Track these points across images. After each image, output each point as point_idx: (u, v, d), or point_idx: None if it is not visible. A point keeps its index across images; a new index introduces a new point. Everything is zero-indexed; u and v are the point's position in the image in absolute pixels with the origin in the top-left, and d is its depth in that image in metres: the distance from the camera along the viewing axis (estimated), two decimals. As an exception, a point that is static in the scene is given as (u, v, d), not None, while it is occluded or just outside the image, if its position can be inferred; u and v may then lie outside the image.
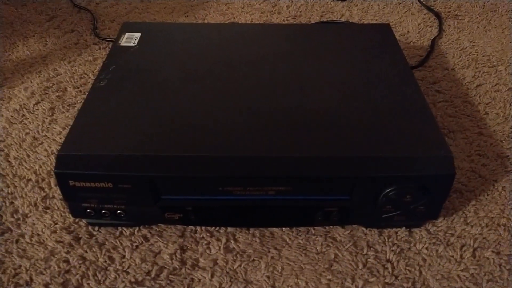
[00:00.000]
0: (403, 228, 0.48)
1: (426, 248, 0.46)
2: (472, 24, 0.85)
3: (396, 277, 0.44)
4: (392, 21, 0.85)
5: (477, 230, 0.48)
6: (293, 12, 0.89)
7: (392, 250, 0.46)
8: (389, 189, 0.42)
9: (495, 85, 0.69)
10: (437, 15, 0.86)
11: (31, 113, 0.63)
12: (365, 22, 0.85)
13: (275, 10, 0.89)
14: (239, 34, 0.61)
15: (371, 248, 0.46)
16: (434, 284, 0.43)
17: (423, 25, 0.84)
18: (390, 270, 0.45)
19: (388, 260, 0.45)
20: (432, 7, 0.89)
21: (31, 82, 0.69)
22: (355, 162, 0.42)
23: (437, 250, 0.46)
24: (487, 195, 0.52)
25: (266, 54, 0.56)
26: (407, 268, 0.45)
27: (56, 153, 0.42)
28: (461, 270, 0.45)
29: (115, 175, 0.42)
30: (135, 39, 0.60)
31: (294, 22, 0.86)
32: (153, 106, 0.48)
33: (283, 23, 0.85)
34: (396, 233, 0.48)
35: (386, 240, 0.47)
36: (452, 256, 0.46)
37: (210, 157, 0.42)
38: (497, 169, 0.55)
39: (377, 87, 0.50)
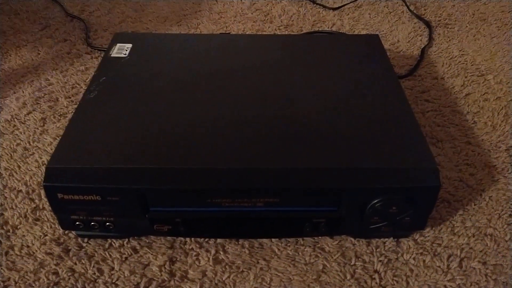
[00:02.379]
0: (391, 238, 0.49)
1: (413, 258, 0.47)
2: (462, 33, 0.86)
3: (384, 288, 0.45)
4: (383, 30, 0.86)
5: (464, 240, 0.49)
6: (285, 21, 0.89)
7: (380, 261, 0.47)
8: (375, 201, 0.43)
9: (484, 94, 0.70)
10: (427, 24, 0.87)
11: (23, 123, 0.63)
12: (356, 31, 0.86)
13: (267, 19, 0.90)
14: (229, 45, 0.62)
15: (359, 259, 0.47)
16: (421, 295, 0.44)
17: (414, 34, 0.85)
18: (377, 280, 0.45)
19: (375, 271, 0.46)
20: (422, 16, 0.90)
21: (23, 92, 0.69)
22: (342, 174, 0.42)
23: (424, 260, 0.47)
24: (474, 204, 0.53)
25: (256, 65, 0.57)
26: (394, 278, 0.45)
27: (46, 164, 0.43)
28: (448, 281, 0.45)
29: (104, 188, 0.42)
30: (126, 50, 0.60)
31: (286, 31, 0.86)
32: (143, 118, 0.48)
33: (275, 32, 0.86)
34: (384, 243, 0.48)
35: (374, 250, 0.48)
36: (439, 266, 0.46)
37: (199, 169, 0.42)
38: (484, 178, 0.56)
39: (364, 99, 0.51)
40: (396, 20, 0.89)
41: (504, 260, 0.47)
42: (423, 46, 0.81)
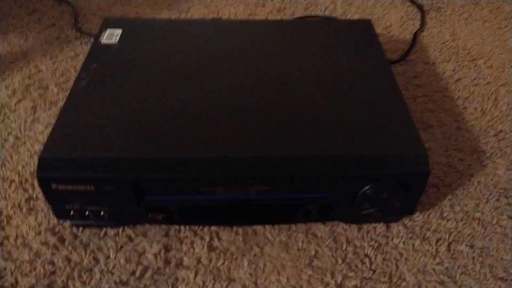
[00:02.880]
0: (381, 223, 0.50)
1: (403, 243, 0.48)
2: (454, 16, 0.86)
3: (374, 271, 0.46)
4: (376, 14, 0.86)
5: (452, 224, 0.50)
6: (277, 4, 0.88)
7: (370, 245, 0.48)
8: (366, 187, 0.43)
9: (474, 79, 0.71)
10: (420, 8, 0.87)
11: (13, 112, 0.63)
12: (349, 15, 0.86)
13: (259, 3, 0.89)
14: (221, 31, 0.61)
15: (350, 244, 0.48)
16: (410, 278, 0.45)
17: (406, 18, 0.85)
18: (368, 264, 0.46)
19: (366, 255, 0.47)
20: (415, 0, 0.89)
21: (12, 79, 0.68)
22: (332, 162, 0.43)
23: (413, 244, 0.48)
24: (463, 189, 0.54)
25: (248, 52, 0.57)
26: (384, 262, 0.46)
27: (39, 154, 0.42)
28: (436, 264, 0.46)
29: (98, 177, 0.42)
30: (117, 36, 0.59)
31: (279, 15, 0.85)
32: (134, 106, 0.48)
33: (267, 16, 0.85)
34: (375, 228, 0.49)
35: (365, 235, 0.49)
36: (428, 250, 0.48)
37: (193, 158, 0.43)
38: (473, 163, 0.57)
39: (355, 85, 0.51)
40: (389, 4, 0.89)
41: (490, 243, 0.48)
42: (415, 30, 0.81)
